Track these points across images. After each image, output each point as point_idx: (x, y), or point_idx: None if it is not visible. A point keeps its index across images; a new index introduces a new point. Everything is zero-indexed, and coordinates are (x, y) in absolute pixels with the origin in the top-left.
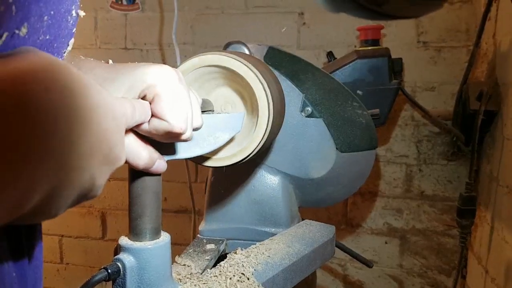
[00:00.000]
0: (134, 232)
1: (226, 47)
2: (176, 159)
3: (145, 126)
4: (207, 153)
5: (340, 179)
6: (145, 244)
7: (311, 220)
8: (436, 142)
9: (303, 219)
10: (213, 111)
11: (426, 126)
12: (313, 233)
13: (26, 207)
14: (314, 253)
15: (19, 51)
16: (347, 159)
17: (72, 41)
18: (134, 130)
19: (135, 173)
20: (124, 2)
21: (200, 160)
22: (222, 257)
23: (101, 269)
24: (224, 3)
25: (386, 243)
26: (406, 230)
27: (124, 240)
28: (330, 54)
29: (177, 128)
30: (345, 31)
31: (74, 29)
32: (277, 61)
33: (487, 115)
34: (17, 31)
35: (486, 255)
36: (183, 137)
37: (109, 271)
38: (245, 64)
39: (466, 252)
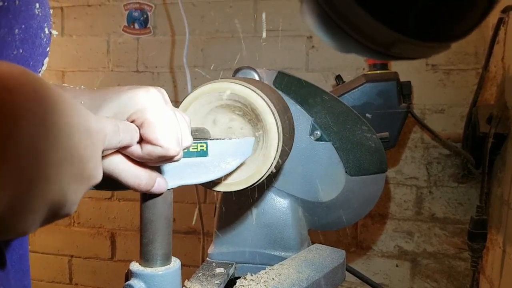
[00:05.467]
0: (145, 258)
1: (236, 72)
2: (186, 185)
3: (138, 152)
4: (217, 178)
5: (350, 203)
6: (156, 270)
7: (321, 244)
8: (446, 164)
9: (312, 242)
10: (209, 138)
11: (436, 148)
12: (323, 258)
13: None
14: (325, 278)
15: None
16: (357, 183)
17: (47, 60)
18: (125, 154)
19: (147, 199)
20: (136, 26)
21: (210, 185)
22: (231, 281)
23: None
24: (234, 27)
25: (397, 266)
26: (417, 253)
27: (135, 266)
28: (338, 78)
29: (172, 151)
30: (353, 54)
31: (48, 48)
32: (286, 85)
33: (497, 138)
34: None
35: (499, 279)
36: (176, 158)
37: None
38: (254, 91)
39: (478, 276)
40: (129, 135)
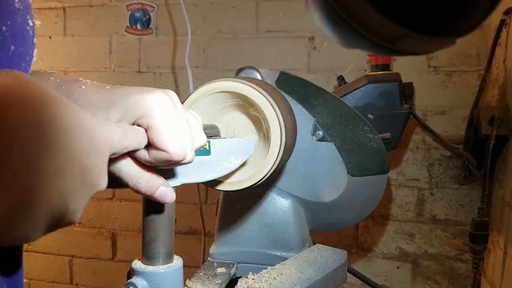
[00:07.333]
0: (147, 256)
1: (238, 72)
2: (189, 183)
3: (145, 156)
4: (219, 177)
5: (351, 203)
6: (158, 268)
7: (322, 245)
8: (448, 166)
9: (314, 243)
10: (219, 135)
11: (437, 149)
12: (325, 258)
13: None
14: (326, 278)
15: None
16: (359, 183)
17: (35, 51)
18: (133, 156)
19: (150, 199)
20: (139, 27)
21: (212, 184)
22: (232, 281)
23: None
24: (236, 28)
25: (398, 267)
26: (418, 254)
27: (137, 264)
28: (340, 79)
29: (176, 157)
30: (355, 55)
31: (35, 40)
32: (289, 85)
33: (498, 140)
34: None
35: (500, 281)
36: (184, 162)
37: None
38: (257, 90)
39: (479, 278)
40: (136, 140)
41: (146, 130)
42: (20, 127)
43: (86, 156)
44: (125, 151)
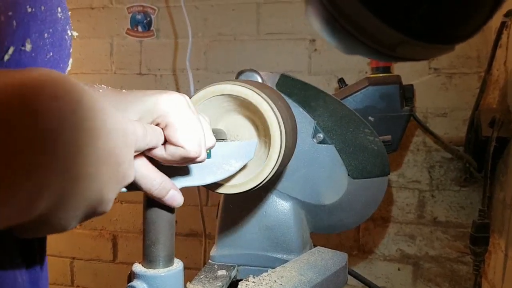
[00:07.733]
0: (148, 259)
1: (239, 75)
2: (190, 186)
3: (162, 153)
4: (220, 180)
5: (352, 206)
6: (159, 272)
7: (323, 247)
8: (449, 168)
9: (314, 245)
10: (226, 139)
11: (438, 151)
12: (325, 260)
13: (33, 210)
14: (327, 281)
15: (32, 67)
16: (359, 186)
17: (71, 61)
18: (148, 156)
19: (150, 200)
20: (140, 29)
21: (212, 186)
22: (233, 283)
23: None
24: (237, 30)
25: (399, 269)
26: (419, 256)
27: (138, 267)
28: (341, 81)
29: (192, 153)
30: (356, 57)
31: (71, 49)
32: (289, 88)
33: (499, 142)
34: (22, 48)
35: (501, 283)
36: (198, 159)
37: None
38: (257, 93)
39: (480, 280)
40: (155, 138)
41: (163, 129)
42: (67, 117)
43: (120, 148)
44: (146, 148)
